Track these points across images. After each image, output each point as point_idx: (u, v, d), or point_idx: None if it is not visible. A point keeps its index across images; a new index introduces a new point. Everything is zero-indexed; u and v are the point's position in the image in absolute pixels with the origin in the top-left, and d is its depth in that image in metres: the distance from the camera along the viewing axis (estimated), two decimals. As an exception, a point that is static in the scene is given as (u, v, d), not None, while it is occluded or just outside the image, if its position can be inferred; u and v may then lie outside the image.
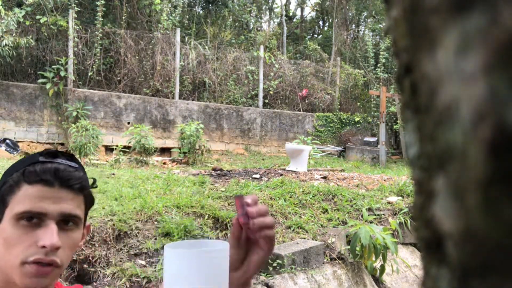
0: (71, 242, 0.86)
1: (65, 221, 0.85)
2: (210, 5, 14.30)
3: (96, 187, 0.97)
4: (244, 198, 0.78)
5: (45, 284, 0.82)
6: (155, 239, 3.49)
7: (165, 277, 0.70)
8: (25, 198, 0.82)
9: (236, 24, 14.81)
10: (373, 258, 3.81)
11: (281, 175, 6.24)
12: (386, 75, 13.56)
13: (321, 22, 21.08)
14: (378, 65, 13.61)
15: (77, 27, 9.80)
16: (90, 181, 0.94)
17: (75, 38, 9.70)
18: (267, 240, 0.78)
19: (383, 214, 4.73)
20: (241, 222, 0.77)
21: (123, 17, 11.00)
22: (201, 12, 14.71)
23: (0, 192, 0.85)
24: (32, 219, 0.82)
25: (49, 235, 0.81)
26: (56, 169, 0.85)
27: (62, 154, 0.89)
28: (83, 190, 0.88)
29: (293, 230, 4.09)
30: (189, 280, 0.68)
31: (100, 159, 8.33)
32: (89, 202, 0.92)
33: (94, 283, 3.09)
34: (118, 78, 10.55)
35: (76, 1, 9.83)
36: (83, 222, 0.91)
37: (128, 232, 3.48)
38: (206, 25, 13.81)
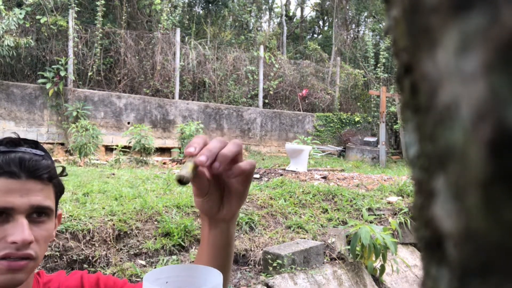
0: (44, 233, 0.82)
1: (37, 213, 0.80)
2: (210, 5, 14.30)
3: (66, 175, 0.91)
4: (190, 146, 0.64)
5: (20, 279, 0.78)
6: (155, 239, 3.49)
7: None
8: None
9: (236, 24, 14.81)
10: (373, 258, 3.81)
11: (281, 175, 6.24)
12: (386, 75, 13.56)
13: (321, 22, 21.08)
14: (378, 65, 13.61)
15: (77, 27, 9.81)
16: (59, 170, 0.89)
17: (75, 38, 9.70)
18: (244, 177, 0.68)
19: (383, 214, 4.73)
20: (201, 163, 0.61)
21: (123, 17, 11.00)
22: (201, 12, 14.71)
23: None
24: (0, 215, 0.77)
25: (19, 230, 0.77)
26: (22, 159, 0.78)
27: (26, 141, 0.83)
28: (52, 179, 0.83)
29: (293, 230, 4.09)
30: None
31: (100, 159, 8.34)
32: (59, 191, 0.87)
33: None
34: (118, 78, 10.55)
35: (76, 1, 9.83)
36: (55, 212, 0.86)
37: (128, 232, 3.48)
38: (206, 25, 13.81)
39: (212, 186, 0.69)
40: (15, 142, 0.81)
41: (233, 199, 0.71)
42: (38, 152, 0.83)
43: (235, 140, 0.67)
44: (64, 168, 0.91)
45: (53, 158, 7.86)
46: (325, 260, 3.78)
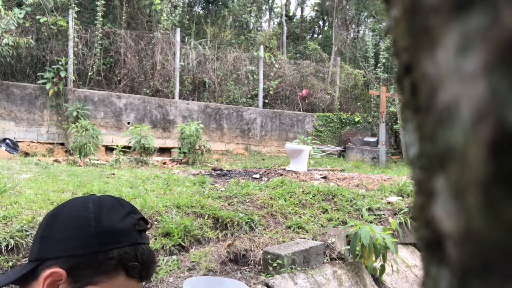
0: None
1: None
2: (210, 5, 14.30)
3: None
4: None
5: None
6: (155, 239, 3.49)
7: None
8: None
9: (236, 24, 14.81)
10: (373, 258, 3.80)
11: (281, 175, 6.24)
12: (386, 75, 13.56)
13: (321, 22, 21.07)
14: (378, 65, 13.61)
15: (77, 27, 9.81)
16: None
17: (75, 38, 9.70)
18: None
19: (383, 214, 4.72)
20: None
21: (123, 17, 11.00)
22: (201, 12, 14.71)
23: (96, 258, 0.82)
24: None
25: None
26: (151, 266, 0.87)
27: (144, 222, 0.89)
28: None
29: (293, 230, 4.08)
30: None
31: (100, 159, 8.33)
32: None
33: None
34: (118, 78, 10.55)
35: (76, 1, 9.83)
36: None
37: (128, 232, 3.47)
38: (206, 25, 13.81)
39: None
40: (144, 227, 0.89)
41: None
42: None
43: None
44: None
45: (53, 158, 7.70)
46: (325, 260, 3.78)
